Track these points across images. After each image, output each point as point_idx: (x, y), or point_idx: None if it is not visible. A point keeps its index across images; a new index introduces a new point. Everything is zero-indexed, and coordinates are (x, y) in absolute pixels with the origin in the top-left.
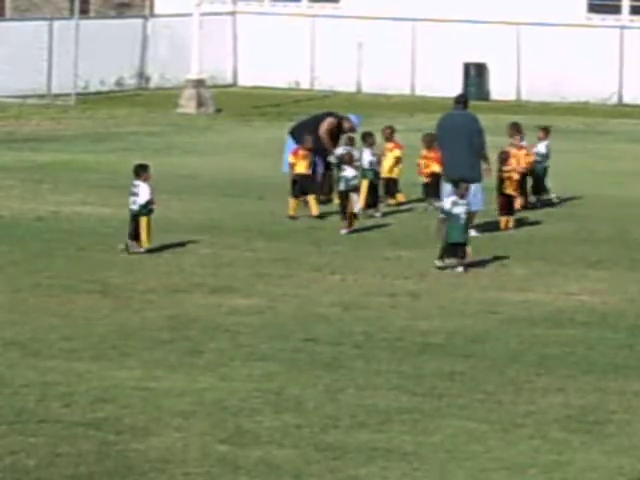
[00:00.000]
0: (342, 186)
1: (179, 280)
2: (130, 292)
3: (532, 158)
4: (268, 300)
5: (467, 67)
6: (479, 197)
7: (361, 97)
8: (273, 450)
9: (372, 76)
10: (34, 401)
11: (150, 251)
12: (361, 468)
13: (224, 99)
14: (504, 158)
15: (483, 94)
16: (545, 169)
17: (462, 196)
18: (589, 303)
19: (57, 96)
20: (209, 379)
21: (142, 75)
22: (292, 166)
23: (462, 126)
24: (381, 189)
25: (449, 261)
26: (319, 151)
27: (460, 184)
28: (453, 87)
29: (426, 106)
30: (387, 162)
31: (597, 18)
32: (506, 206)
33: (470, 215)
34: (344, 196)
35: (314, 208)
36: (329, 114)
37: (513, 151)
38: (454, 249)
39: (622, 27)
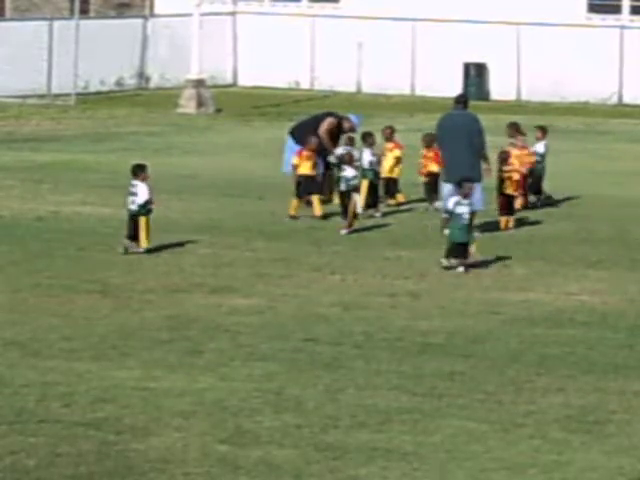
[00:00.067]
0: (342, 186)
1: (179, 280)
2: (130, 292)
3: (534, 158)
4: (268, 300)
5: (467, 67)
6: (479, 197)
7: (361, 97)
8: (273, 450)
9: (372, 76)
10: (34, 401)
11: (150, 251)
12: (361, 468)
13: (224, 99)
14: (504, 158)
15: (483, 94)
16: (543, 169)
17: (466, 196)
18: (589, 303)
19: (57, 96)
20: (209, 379)
21: (142, 75)
22: (296, 167)
23: (462, 126)
24: (381, 189)
25: (454, 261)
26: (319, 151)
27: (464, 184)
28: (453, 87)
29: (426, 106)
30: (387, 162)
31: (597, 18)
32: (506, 206)
33: (473, 214)
34: (344, 196)
35: (317, 209)
36: (329, 114)
37: (516, 151)
38: (457, 249)
39: (622, 27)
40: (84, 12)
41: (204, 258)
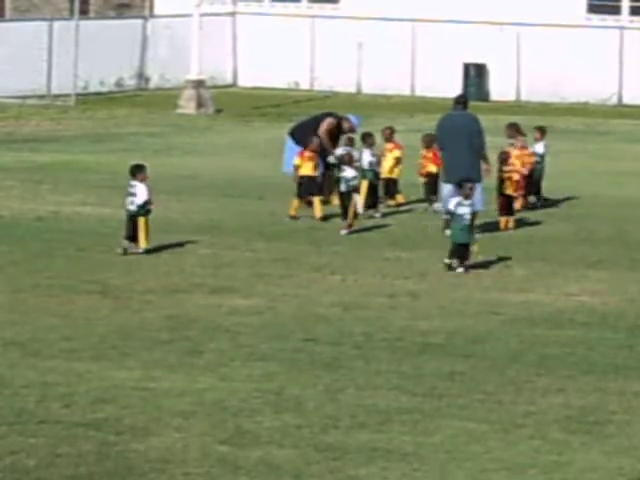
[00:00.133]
0: (343, 187)
1: (179, 280)
2: (130, 292)
3: (534, 159)
4: (268, 300)
5: (467, 67)
6: (479, 198)
7: (361, 97)
8: (273, 450)
9: (372, 76)
10: (34, 401)
11: (149, 251)
12: (361, 468)
13: (224, 99)
14: (504, 158)
15: (483, 94)
16: (543, 169)
17: (467, 196)
18: (589, 303)
19: (57, 96)
20: (209, 379)
21: (142, 76)
22: (297, 168)
23: (462, 126)
24: (381, 190)
25: (456, 262)
26: (319, 152)
27: (464, 184)
28: (453, 87)
29: (426, 106)
30: (387, 163)
31: (597, 19)
32: (506, 206)
33: (474, 215)
34: (345, 197)
35: (318, 210)
36: (329, 114)
37: (516, 152)
38: (458, 249)
39: (622, 28)
40: (84, 12)
41: (204, 258)
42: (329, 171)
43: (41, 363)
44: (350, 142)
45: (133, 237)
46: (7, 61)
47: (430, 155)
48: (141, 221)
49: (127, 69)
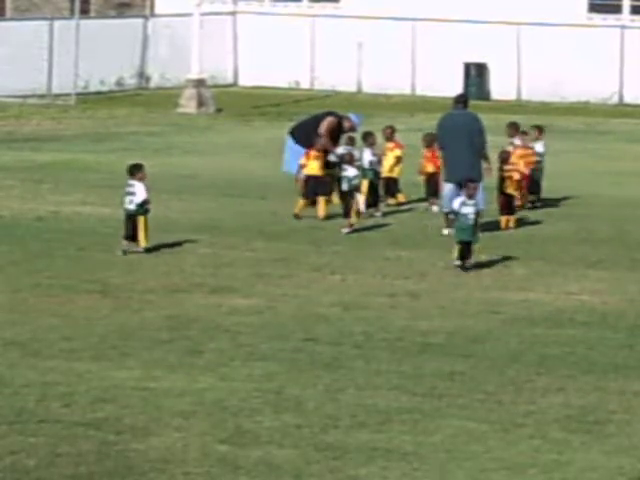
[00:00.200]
0: (345, 186)
1: (179, 280)
2: (130, 292)
3: (534, 158)
4: (268, 300)
5: (467, 67)
6: (480, 197)
7: (361, 97)
8: (273, 450)
9: (372, 76)
10: (34, 401)
11: (149, 251)
12: (361, 468)
13: (224, 99)
14: (505, 158)
15: (483, 94)
16: (542, 168)
17: (470, 196)
18: (589, 303)
19: (57, 96)
20: (209, 379)
21: (142, 75)
22: (303, 167)
23: (463, 126)
24: (381, 189)
25: (458, 262)
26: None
27: (468, 184)
28: (453, 87)
29: (426, 106)
30: (387, 162)
31: (598, 18)
32: (506, 206)
33: (478, 214)
34: (346, 196)
35: (321, 210)
36: (329, 114)
37: (519, 151)
38: (462, 248)
39: (623, 27)
40: (84, 12)
41: (204, 258)
42: (330, 170)
43: (41, 363)
44: (351, 141)
45: (132, 236)
46: (8, 60)
47: (429, 154)
48: (140, 220)
49: (127, 68)
